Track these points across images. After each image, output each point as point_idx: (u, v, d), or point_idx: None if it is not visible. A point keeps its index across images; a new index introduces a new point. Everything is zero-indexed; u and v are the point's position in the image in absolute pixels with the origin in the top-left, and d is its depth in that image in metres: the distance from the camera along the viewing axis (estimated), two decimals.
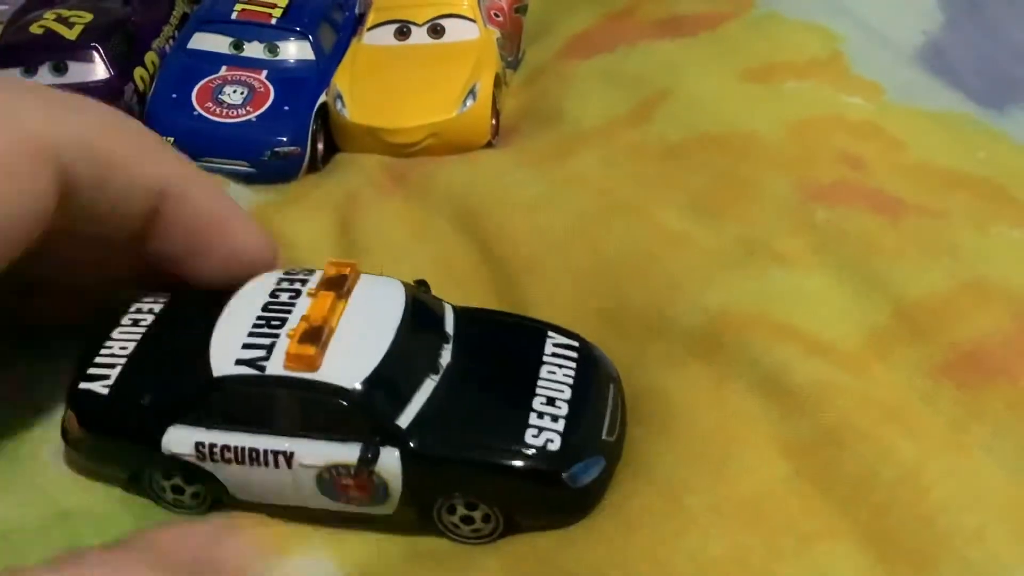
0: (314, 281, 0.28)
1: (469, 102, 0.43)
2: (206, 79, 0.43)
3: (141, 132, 0.28)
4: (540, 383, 0.27)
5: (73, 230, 0.26)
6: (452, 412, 0.26)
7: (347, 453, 0.26)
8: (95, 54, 0.43)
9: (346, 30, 0.48)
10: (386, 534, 0.27)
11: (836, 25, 0.44)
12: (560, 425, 0.26)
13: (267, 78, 0.44)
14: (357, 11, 0.49)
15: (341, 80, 0.44)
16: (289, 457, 0.26)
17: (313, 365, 0.25)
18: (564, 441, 0.26)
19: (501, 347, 0.29)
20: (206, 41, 0.45)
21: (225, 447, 0.26)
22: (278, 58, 0.45)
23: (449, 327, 0.29)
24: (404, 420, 0.26)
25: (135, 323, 0.29)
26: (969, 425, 0.28)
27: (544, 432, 0.26)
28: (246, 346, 0.26)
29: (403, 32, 0.46)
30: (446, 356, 0.28)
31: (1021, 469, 0.27)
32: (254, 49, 0.45)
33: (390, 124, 0.42)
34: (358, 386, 0.26)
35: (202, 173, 0.29)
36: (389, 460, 0.25)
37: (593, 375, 0.28)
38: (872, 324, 0.31)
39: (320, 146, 0.44)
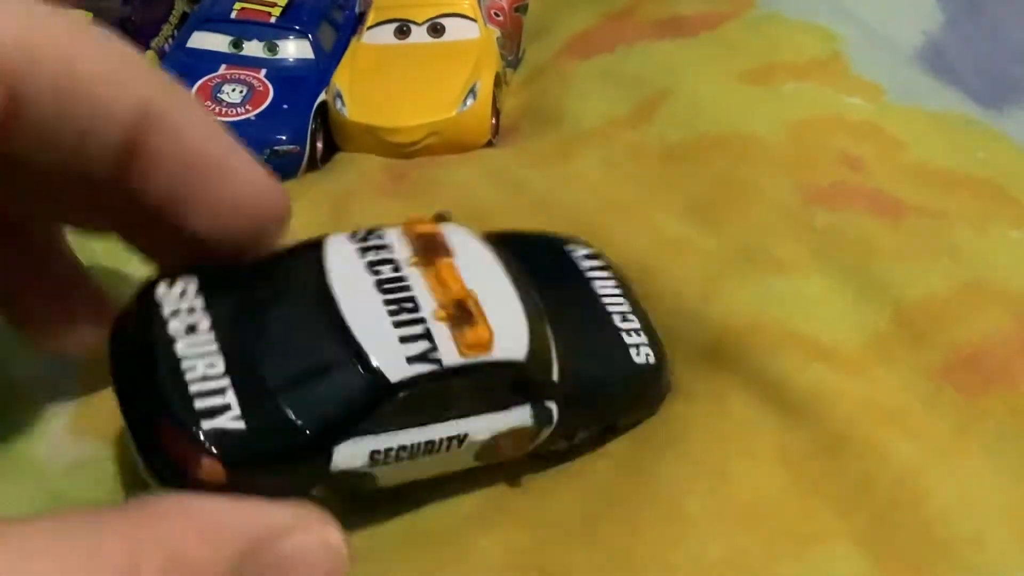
0: (401, 246, 0.26)
1: (469, 101, 0.42)
2: (205, 78, 0.43)
3: (118, 45, 0.22)
4: (605, 302, 0.29)
5: (32, 160, 0.22)
6: (569, 351, 0.27)
7: (518, 418, 0.25)
8: None
9: (346, 29, 0.48)
10: (387, 515, 0.27)
11: (836, 25, 0.44)
12: (643, 338, 0.29)
13: (266, 77, 0.44)
14: (357, 10, 0.49)
15: (341, 79, 0.44)
16: (463, 439, 0.25)
17: (490, 347, 0.24)
18: (654, 353, 0.29)
19: (545, 271, 0.29)
20: (205, 40, 0.45)
21: (401, 448, 0.24)
22: (277, 57, 0.45)
23: (515, 264, 0.27)
24: (555, 374, 0.26)
25: (191, 328, 0.23)
26: (970, 429, 0.28)
27: (640, 349, 0.29)
28: (403, 340, 0.24)
29: (403, 31, 0.46)
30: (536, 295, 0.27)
31: (1021, 473, 0.27)
32: (253, 48, 0.45)
33: (390, 123, 0.42)
34: (527, 354, 0.25)
35: (195, 100, 0.24)
36: (553, 419, 0.26)
37: (623, 280, 0.31)
38: (873, 327, 0.31)
39: (319, 145, 0.44)
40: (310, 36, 0.45)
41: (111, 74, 0.21)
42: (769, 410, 0.29)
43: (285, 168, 0.42)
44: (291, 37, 0.45)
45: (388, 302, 0.24)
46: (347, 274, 0.25)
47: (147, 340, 0.23)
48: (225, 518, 0.18)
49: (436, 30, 0.46)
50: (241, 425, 0.22)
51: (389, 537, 0.27)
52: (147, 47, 0.46)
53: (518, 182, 0.39)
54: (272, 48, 0.45)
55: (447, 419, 0.24)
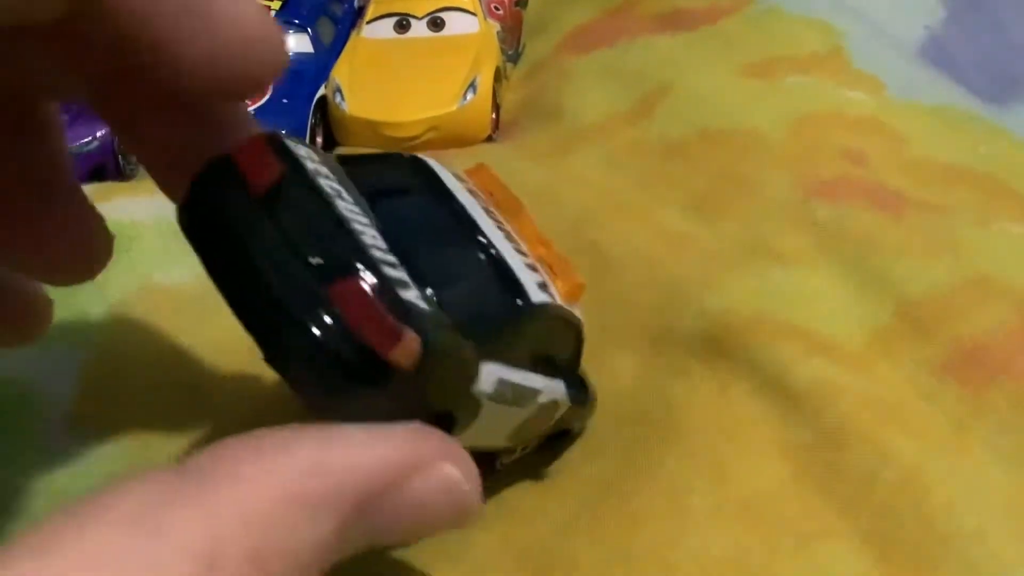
0: (475, 191, 0.23)
1: (469, 96, 0.42)
2: None
3: None
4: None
5: None
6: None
7: (558, 391, 0.24)
8: None
9: (345, 23, 0.48)
10: None
11: (837, 20, 0.44)
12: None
13: None
14: (356, 4, 0.49)
15: (340, 73, 0.44)
16: (536, 393, 0.22)
17: (578, 296, 0.23)
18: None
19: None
20: None
21: (515, 385, 0.21)
22: None
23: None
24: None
25: (339, 194, 0.18)
26: (972, 424, 0.28)
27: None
28: (528, 267, 0.21)
29: (403, 25, 0.46)
30: None
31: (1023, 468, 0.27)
32: None
33: (390, 118, 0.42)
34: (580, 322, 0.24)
35: None
36: (586, 404, 0.27)
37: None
38: (874, 322, 0.31)
39: (319, 140, 0.43)
40: (309, 30, 0.45)
41: None
42: (770, 404, 0.29)
43: None
44: (290, 31, 0.45)
45: (500, 229, 0.22)
46: (463, 192, 0.22)
47: (297, 188, 0.18)
48: (325, 468, 0.15)
49: (436, 24, 0.46)
50: (425, 307, 0.18)
51: None
52: None
53: (517, 176, 0.39)
54: None
55: (541, 373, 0.22)
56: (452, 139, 0.42)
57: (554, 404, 0.24)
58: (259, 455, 0.15)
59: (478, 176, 0.23)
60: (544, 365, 0.23)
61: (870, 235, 0.33)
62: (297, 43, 0.45)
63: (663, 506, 0.26)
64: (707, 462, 0.27)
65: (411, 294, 0.17)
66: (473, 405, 0.20)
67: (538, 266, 0.22)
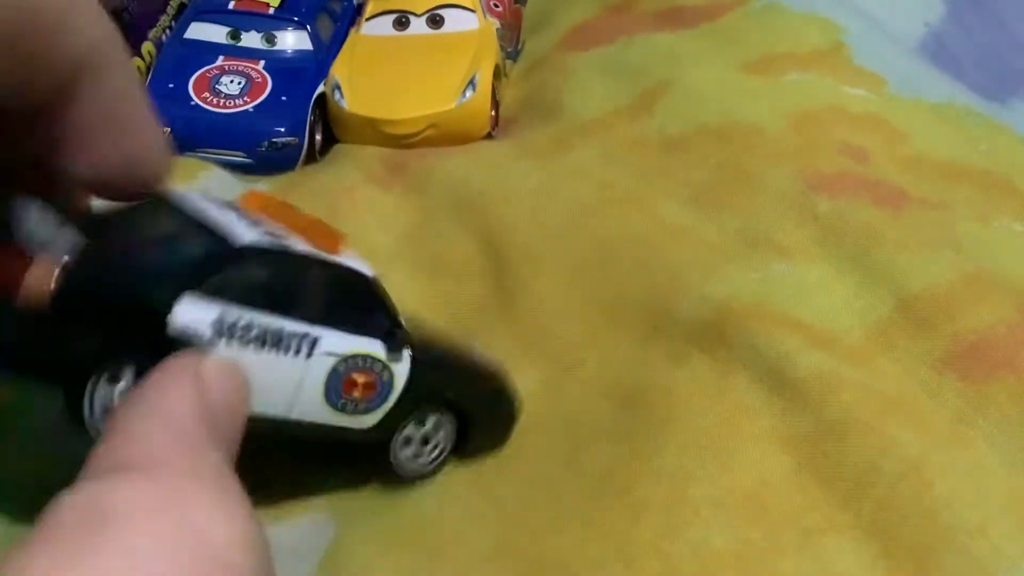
0: (239, 211, 0.25)
1: (469, 93, 0.42)
2: (203, 69, 0.43)
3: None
4: None
5: None
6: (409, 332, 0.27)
7: (369, 345, 0.25)
8: None
9: (344, 20, 0.48)
10: (378, 503, 0.27)
11: (837, 16, 0.44)
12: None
13: (265, 68, 0.43)
14: (355, 1, 0.49)
15: (339, 70, 0.44)
16: (312, 343, 0.24)
17: (337, 245, 0.24)
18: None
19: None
20: (203, 31, 0.45)
21: (247, 326, 0.23)
22: (276, 48, 0.45)
23: None
24: (403, 323, 0.26)
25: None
26: (972, 418, 0.28)
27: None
28: (247, 224, 0.23)
29: (402, 22, 0.46)
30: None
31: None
32: (252, 39, 0.45)
33: (389, 115, 0.42)
34: (375, 276, 0.25)
35: (123, 47, 0.22)
36: (404, 358, 0.26)
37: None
38: (875, 316, 0.31)
39: (318, 137, 0.43)
40: (308, 27, 0.45)
41: (64, 13, 0.20)
42: (771, 393, 0.29)
43: (283, 160, 0.42)
44: (289, 28, 0.45)
45: (243, 219, 0.24)
46: (189, 200, 0.24)
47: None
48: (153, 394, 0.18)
49: (435, 21, 0.46)
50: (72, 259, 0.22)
51: (378, 531, 0.27)
52: (145, 38, 0.46)
53: (517, 173, 0.39)
54: (270, 39, 0.45)
55: (298, 319, 0.24)
56: (451, 136, 0.42)
57: (364, 358, 0.25)
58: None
59: (249, 200, 0.26)
60: (338, 318, 0.24)
61: (871, 230, 0.33)
62: (296, 40, 0.45)
63: (664, 498, 0.26)
64: (708, 453, 0.27)
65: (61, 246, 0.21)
66: (179, 344, 0.22)
67: (281, 231, 0.24)
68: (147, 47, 0.45)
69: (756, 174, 0.36)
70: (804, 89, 0.39)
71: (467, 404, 0.28)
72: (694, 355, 0.30)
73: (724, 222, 0.34)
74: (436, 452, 0.28)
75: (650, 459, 0.27)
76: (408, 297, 0.31)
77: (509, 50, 0.48)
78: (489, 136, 0.43)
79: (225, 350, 0.22)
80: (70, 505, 0.16)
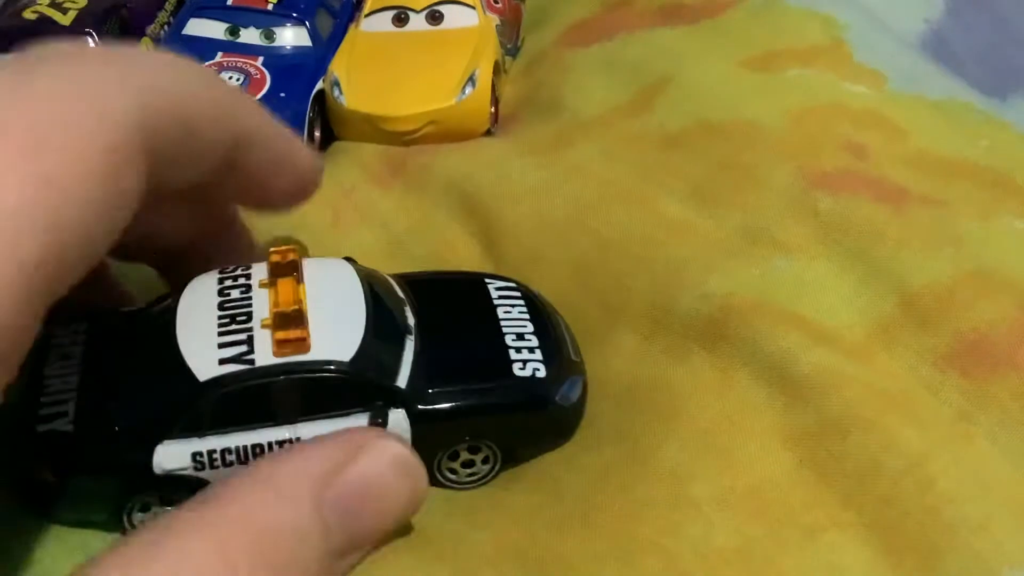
0: (260, 272, 0.27)
1: (468, 89, 0.42)
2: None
3: (216, 82, 0.26)
4: (503, 323, 0.29)
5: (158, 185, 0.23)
6: (438, 365, 0.27)
7: (354, 424, 0.26)
8: (89, 40, 0.43)
9: (343, 16, 0.47)
10: None
11: (838, 12, 0.43)
12: (538, 355, 0.28)
13: (263, 64, 0.43)
14: None
15: (338, 67, 0.44)
16: (296, 442, 0.25)
17: (304, 347, 0.25)
18: (547, 367, 0.28)
19: (452, 300, 0.30)
20: (201, 27, 0.45)
21: (227, 451, 0.25)
22: (274, 44, 0.44)
23: (399, 291, 0.29)
24: (401, 381, 0.26)
25: (65, 356, 0.27)
26: (974, 415, 0.28)
27: (528, 363, 0.28)
28: (222, 345, 0.25)
29: (401, 18, 0.45)
30: (411, 317, 0.28)
31: None
32: (250, 35, 0.44)
33: (388, 111, 0.42)
34: (352, 357, 0.25)
35: (263, 110, 0.27)
36: (397, 420, 0.26)
37: (542, 308, 0.30)
38: (877, 313, 0.31)
39: (317, 134, 0.43)
40: (307, 23, 0.45)
41: (216, 112, 0.24)
42: (773, 390, 0.28)
43: None
44: (288, 24, 0.45)
45: (222, 317, 0.26)
46: (192, 301, 0.27)
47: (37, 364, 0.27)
48: (289, 468, 0.19)
49: (434, 17, 0.45)
50: (70, 428, 0.25)
51: None
52: (143, 34, 0.46)
53: (517, 170, 0.39)
54: (269, 35, 0.44)
55: (277, 423, 0.25)
56: (451, 133, 0.42)
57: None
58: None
59: (274, 257, 0.27)
60: (317, 408, 0.26)
61: (872, 227, 0.33)
62: (295, 36, 0.45)
63: (664, 495, 0.26)
64: (709, 450, 0.27)
65: (59, 423, 0.25)
66: (171, 487, 0.25)
67: (256, 334, 0.25)
68: (145, 43, 0.45)
69: (757, 171, 0.36)
70: (805, 86, 0.39)
71: (503, 441, 0.28)
72: (695, 352, 0.30)
73: (725, 219, 0.34)
74: (477, 475, 0.28)
75: (651, 456, 0.27)
76: None
77: (509, 46, 0.47)
78: (488, 133, 0.43)
79: (211, 475, 0.25)
80: None
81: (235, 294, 0.26)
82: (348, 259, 0.29)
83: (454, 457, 0.28)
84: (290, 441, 0.25)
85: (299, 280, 0.27)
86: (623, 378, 0.30)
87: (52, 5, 0.44)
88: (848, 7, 0.44)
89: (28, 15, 0.43)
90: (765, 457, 0.27)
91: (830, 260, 0.32)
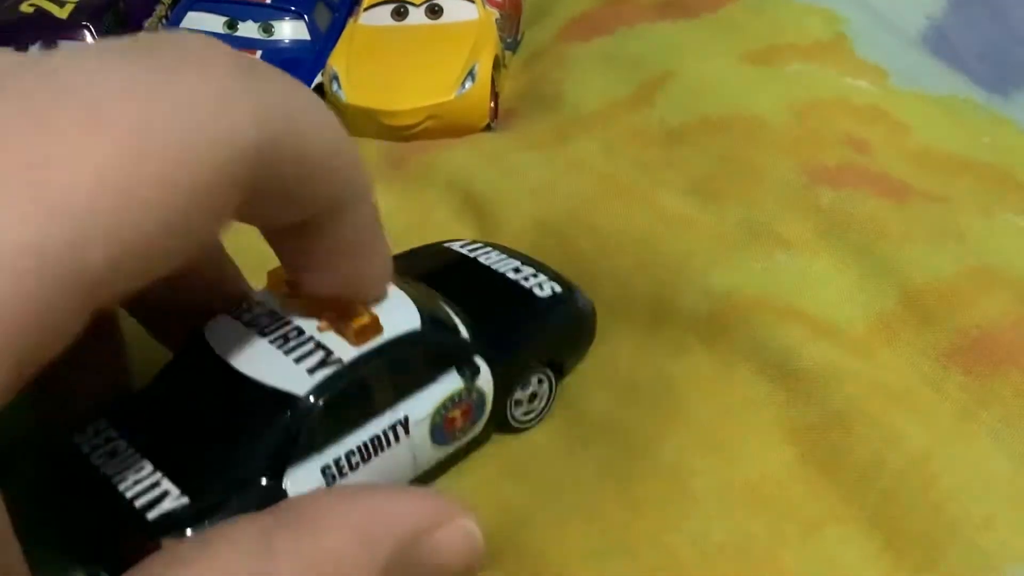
0: (267, 298, 0.26)
1: (468, 84, 0.42)
2: None
3: (336, 128, 0.21)
4: (495, 266, 0.31)
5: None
6: (475, 313, 0.28)
7: (448, 384, 0.26)
8: (86, 33, 0.43)
9: (342, 10, 0.47)
10: None
11: (839, 7, 0.43)
12: (542, 277, 0.31)
13: (261, 58, 0.43)
14: None
15: (337, 61, 0.43)
16: (405, 423, 0.25)
17: (379, 328, 0.25)
18: (560, 285, 0.30)
19: (435, 265, 0.31)
20: (199, 20, 0.45)
21: (349, 454, 0.24)
22: (273, 38, 0.44)
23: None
24: (464, 333, 0.27)
25: (112, 453, 0.24)
26: (977, 412, 0.28)
27: (543, 285, 0.30)
28: (299, 359, 0.24)
29: (400, 12, 0.45)
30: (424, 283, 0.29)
31: None
32: (248, 29, 0.44)
33: (387, 106, 0.42)
34: (421, 324, 0.26)
35: (368, 182, 0.23)
36: (482, 368, 0.27)
37: (510, 249, 0.32)
38: (879, 308, 0.31)
39: None
40: (306, 17, 0.45)
41: (325, 163, 0.21)
42: (774, 385, 0.28)
43: None
44: (286, 18, 0.44)
45: (273, 340, 0.25)
46: (229, 343, 0.25)
47: (79, 479, 0.24)
48: (377, 518, 0.19)
49: (434, 11, 0.45)
50: (185, 500, 0.23)
51: None
52: (140, 27, 0.45)
53: (517, 166, 0.38)
54: (267, 29, 0.44)
55: (381, 412, 0.25)
56: (450, 128, 0.42)
57: (450, 399, 0.26)
58: (332, 504, 0.19)
59: (273, 277, 0.26)
60: (411, 383, 0.26)
61: (874, 222, 0.33)
62: (293, 30, 0.44)
63: (665, 490, 0.26)
64: (710, 445, 0.27)
65: (168, 500, 0.23)
66: None
67: (321, 338, 0.25)
68: None
69: (758, 165, 0.35)
70: (806, 80, 0.39)
71: (555, 356, 0.30)
72: (696, 347, 0.30)
73: (726, 214, 0.34)
74: (543, 403, 0.29)
75: (651, 451, 0.27)
76: None
77: (508, 41, 0.47)
78: (488, 128, 0.43)
79: (347, 482, 0.24)
80: None
81: (265, 320, 0.25)
82: None
83: (520, 395, 0.29)
84: (401, 423, 0.25)
85: None
86: (624, 372, 0.30)
87: None
88: (849, 2, 0.44)
89: (25, 8, 0.43)
90: (766, 452, 0.27)
91: (832, 255, 0.32)
